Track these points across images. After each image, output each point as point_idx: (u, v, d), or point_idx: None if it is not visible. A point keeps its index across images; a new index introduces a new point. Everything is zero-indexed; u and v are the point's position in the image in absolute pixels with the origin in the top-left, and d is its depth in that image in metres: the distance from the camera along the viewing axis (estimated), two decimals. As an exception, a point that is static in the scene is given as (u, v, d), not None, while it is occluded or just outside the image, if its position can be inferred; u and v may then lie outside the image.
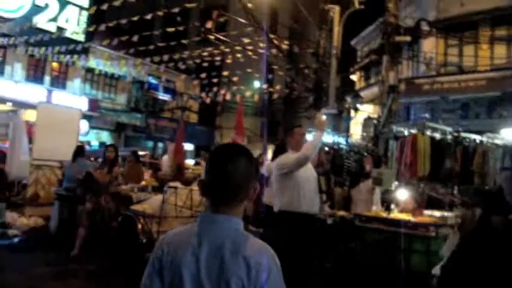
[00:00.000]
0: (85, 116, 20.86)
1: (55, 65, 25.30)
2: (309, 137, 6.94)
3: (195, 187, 8.25)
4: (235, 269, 1.89)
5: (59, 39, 18.16)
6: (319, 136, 5.51)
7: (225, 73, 21.88)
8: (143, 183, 11.17)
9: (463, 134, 10.46)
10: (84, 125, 21.40)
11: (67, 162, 10.39)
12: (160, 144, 30.95)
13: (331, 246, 7.21)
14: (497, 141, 10.15)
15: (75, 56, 20.29)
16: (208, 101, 23.33)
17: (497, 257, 1.76)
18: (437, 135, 10.18)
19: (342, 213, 8.40)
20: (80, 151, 10.50)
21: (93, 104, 26.35)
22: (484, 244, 1.86)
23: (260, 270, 1.90)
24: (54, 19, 23.10)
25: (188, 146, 27.09)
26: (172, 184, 8.48)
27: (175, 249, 1.99)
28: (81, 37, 23.96)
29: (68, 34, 22.16)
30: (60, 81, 26.02)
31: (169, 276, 1.96)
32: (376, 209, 8.18)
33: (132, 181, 11.04)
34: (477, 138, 10.36)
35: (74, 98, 25.05)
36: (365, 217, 7.68)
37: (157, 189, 10.47)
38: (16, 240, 9.45)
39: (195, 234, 1.99)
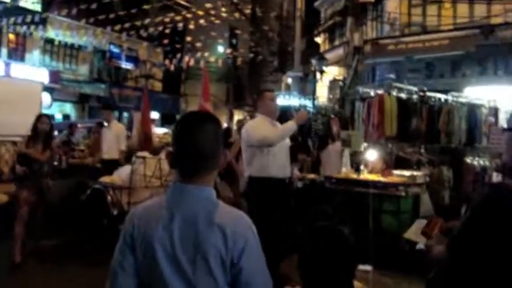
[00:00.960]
0: (46, 89, 20.31)
1: (12, 36, 24.47)
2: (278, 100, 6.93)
3: (163, 156, 8.17)
4: (212, 240, 1.85)
5: (15, 9, 17.56)
6: (292, 126, 5.46)
7: (188, 39, 21.54)
8: (110, 154, 11.03)
9: (429, 94, 10.56)
10: (46, 97, 20.88)
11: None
12: (125, 114, 30.55)
13: (301, 210, 7.25)
14: (461, 100, 10.28)
15: (33, 27, 19.68)
16: (172, 68, 23.05)
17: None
18: (404, 95, 10.24)
19: (311, 176, 8.44)
20: None
21: (54, 75, 25.67)
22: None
23: (237, 238, 1.87)
24: (8, -12, 22.32)
25: (154, 115, 26.82)
26: (140, 154, 8.37)
27: (146, 223, 1.92)
28: (37, 7, 23.21)
29: (23, 4, 21.44)
30: (18, 53, 25.20)
31: (142, 252, 1.91)
32: (346, 171, 8.24)
33: (99, 152, 10.88)
34: (442, 97, 10.47)
35: (33, 70, 24.33)
36: (335, 179, 7.74)
37: (125, 160, 10.35)
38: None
39: (166, 207, 1.93)
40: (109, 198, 7.85)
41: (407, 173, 7.74)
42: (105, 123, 10.12)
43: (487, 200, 1.94)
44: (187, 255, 1.86)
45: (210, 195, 1.97)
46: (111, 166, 9.08)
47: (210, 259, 1.84)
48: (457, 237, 2.06)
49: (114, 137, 9.80)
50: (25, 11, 18.90)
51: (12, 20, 16.78)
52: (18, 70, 23.15)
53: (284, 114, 8.06)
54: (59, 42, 25.89)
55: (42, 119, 7.52)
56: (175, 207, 1.91)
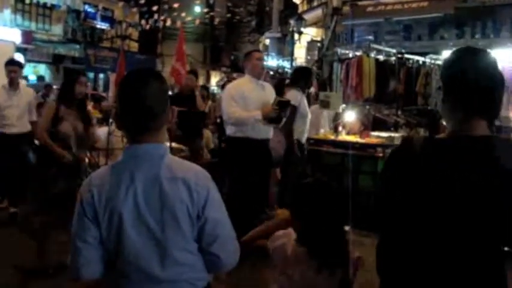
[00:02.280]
0: (19, 49, 19.87)
1: (-19, -6, 23.85)
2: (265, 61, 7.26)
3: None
4: (177, 194, 1.87)
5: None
6: (257, 117, 5.37)
7: (165, -1, 21.18)
8: (87, 116, 10.90)
9: (407, 56, 10.59)
10: (19, 58, 20.44)
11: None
12: (101, 75, 30.14)
13: (281, 170, 7.28)
14: (439, 63, 10.32)
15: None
16: (148, 28, 22.69)
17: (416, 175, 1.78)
18: (382, 57, 10.27)
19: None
20: None
21: (27, 35, 25.07)
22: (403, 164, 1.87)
23: (200, 190, 1.90)
24: None
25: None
26: (117, 116, 8.29)
27: (108, 191, 1.89)
28: (8, -37, 22.54)
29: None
30: (-12, 12, 24.60)
31: (106, 220, 1.88)
32: (324, 132, 8.27)
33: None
34: (420, 59, 10.51)
35: (4, 30, 23.70)
36: (313, 140, 7.76)
37: (102, 121, 10.24)
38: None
39: (125, 169, 1.92)
40: (86, 160, 7.79)
41: (384, 134, 7.80)
42: (8, 85, 7.23)
43: (393, 154, 2.04)
44: (154, 214, 1.86)
45: (166, 151, 1.99)
46: (19, 142, 7.18)
47: (178, 214, 1.87)
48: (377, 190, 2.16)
49: (25, 104, 7.31)
50: (-5, -32, 18.32)
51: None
52: (-11, 30, 22.60)
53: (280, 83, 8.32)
54: (31, 0, 25.23)
55: (81, 80, 5.46)
56: (134, 168, 1.90)
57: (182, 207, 1.86)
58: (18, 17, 26.00)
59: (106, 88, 25.86)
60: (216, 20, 31.51)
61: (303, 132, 6.73)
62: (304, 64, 16.76)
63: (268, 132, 5.74)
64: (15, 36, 22.69)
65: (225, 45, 35.59)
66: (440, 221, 1.75)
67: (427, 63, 10.44)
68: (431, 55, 10.81)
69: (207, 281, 2.04)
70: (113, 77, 14.79)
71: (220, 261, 1.99)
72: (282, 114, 5.43)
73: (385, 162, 2.06)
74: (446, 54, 11.56)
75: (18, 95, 7.25)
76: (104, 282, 1.97)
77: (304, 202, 2.54)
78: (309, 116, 6.75)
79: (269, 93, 5.72)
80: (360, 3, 15.64)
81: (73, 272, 1.92)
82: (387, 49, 10.86)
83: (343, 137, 7.80)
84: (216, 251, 1.96)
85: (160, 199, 1.86)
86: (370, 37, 14.32)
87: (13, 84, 7.21)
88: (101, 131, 8.29)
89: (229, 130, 5.64)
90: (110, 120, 8.09)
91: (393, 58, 10.32)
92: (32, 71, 26.52)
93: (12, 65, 7.27)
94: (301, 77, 6.81)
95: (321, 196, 2.53)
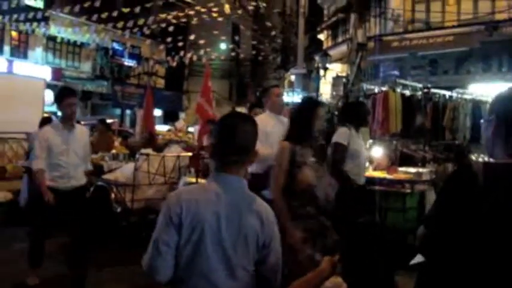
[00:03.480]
0: (49, 86, 20.30)
1: (14, 34, 24.51)
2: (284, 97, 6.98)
3: (167, 154, 8.14)
4: (252, 223, 2.19)
5: (17, 7, 17.50)
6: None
7: (191, 37, 21.50)
8: (114, 151, 11.01)
9: (433, 90, 10.51)
10: (49, 95, 20.84)
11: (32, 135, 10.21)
12: (127, 111, 30.54)
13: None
14: (466, 97, 10.23)
15: (35, 24, 19.62)
16: (174, 64, 23.02)
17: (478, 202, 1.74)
18: (408, 92, 10.20)
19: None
20: (43, 122, 10.31)
21: (57, 73, 25.71)
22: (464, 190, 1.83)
23: (270, 223, 2.26)
24: (10, -14, 22.26)
25: (156, 112, 26.81)
26: (144, 151, 8.34)
27: (197, 205, 2.17)
28: (40, 4, 23.20)
29: (26, 1, 21.40)
30: (21, 50, 25.25)
31: (189, 231, 2.15)
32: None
33: (102, 150, 10.86)
34: (447, 93, 10.43)
35: (36, 67, 24.38)
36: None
37: (128, 157, 10.33)
38: (-14, 215, 9.23)
39: (214, 192, 2.21)
40: (112, 195, 7.83)
41: (412, 169, 7.68)
42: (62, 124, 5.63)
43: (453, 177, 1.98)
44: (230, 235, 2.16)
45: (246, 185, 2.31)
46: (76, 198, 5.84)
47: (249, 239, 2.18)
48: (430, 214, 2.09)
49: (82, 148, 5.81)
50: (27, 8, 18.84)
51: (14, 17, 16.71)
52: (21, 67, 23.19)
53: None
54: (62, 39, 25.89)
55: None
56: (221, 193, 2.21)
57: (253, 234, 2.19)
58: (49, 55, 26.68)
59: (133, 124, 26.16)
60: (242, 57, 31.85)
61: (358, 174, 5.90)
62: (329, 99, 16.76)
63: None
64: (45, 73, 23.29)
65: (250, 82, 35.89)
66: (502, 251, 1.70)
67: (454, 98, 10.35)
68: (457, 89, 10.71)
69: None
70: (140, 113, 14.93)
71: (272, 284, 2.29)
72: None
73: (442, 189, 2.03)
74: (473, 88, 11.51)
75: (74, 136, 5.55)
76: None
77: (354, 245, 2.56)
78: (362, 156, 5.95)
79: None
80: (385, 38, 15.70)
81: (151, 271, 2.19)
82: (413, 84, 10.79)
83: (371, 172, 7.71)
84: (273, 276, 2.28)
85: (238, 225, 2.17)
86: (396, 72, 14.29)
87: (70, 120, 5.59)
88: (128, 167, 8.35)
89: (252, 167, 5.59)
90: (137, 156, 8.14)
91: (419, 93, 10.24)
92: (61, 108, 27.01)
93: (72, 96, 5.68)
94: (351, 112, 6.16)
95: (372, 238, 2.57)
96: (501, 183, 1.76)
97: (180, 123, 16.25)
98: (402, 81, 10.93)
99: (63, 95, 5.65)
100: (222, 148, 2.28)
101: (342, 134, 5.73)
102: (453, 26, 14.53)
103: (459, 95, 10.38)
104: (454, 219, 1.82)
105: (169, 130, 17.15)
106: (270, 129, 5.49)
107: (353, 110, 6.24)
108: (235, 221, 2.17)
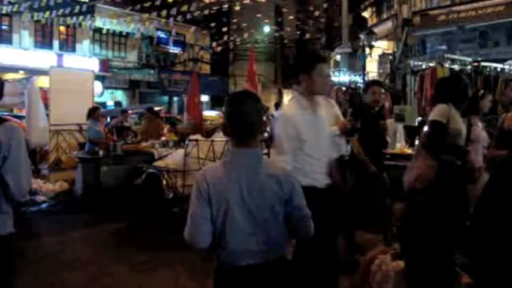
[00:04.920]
0: (97, 77, 20.74)
1: (62, 28, 25.11)
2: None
3: (216, 138, 8.20)
4: (270, 185, 2.46)
5: (63, 2, 17.88)
6: (334, 133, 4.89)
7: (234, 21, 21.49)
8: (163, 138, 11.19)
9: (483, 64, 10.22)
10: (97, 86, 21.30)
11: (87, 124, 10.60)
12: (175, 98, 30.89)
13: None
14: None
15: (81, 17, 20.00)
16: (219, 50, 23.11)
17: None
18: (457, 67, 9.97)
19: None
20: (91, 112, 10.64)
21: (105, 64, 26.24)
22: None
23: (287, 183, 2.50)
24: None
25: (203, 97, 26.99)
26: (193, 137, 8.43)
27: (220, 181, 2.46)
28: (84, -3, 23.63)
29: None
30: (69, 44, 25.87)
31: (217, 203, 2.44)
32: (400, 146, 8.09)
33: (152, 137, 11.06)
34: (498, 66, 10.13)
35: (84, 60, 24.97)
36: (390, 155, 7.59)
37: (177, 143, 10.48)
38: (44, 205, 9.57)
39: (233, 166, 2.50)
40: (164, 182, 7.96)
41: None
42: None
43: (502, 164, 1.94)
44: (254, 201, 2.44)
45: (261, 153, 2.61)
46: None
47: (271, 199, 2.46)
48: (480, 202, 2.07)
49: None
50: (73, 2, 19.21)
51: (61, 11, 17.07)
52: (70, 61, 23.78)
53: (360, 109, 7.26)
54: (107, 30, 26.35)
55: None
56: (240, 165, 2.49)
57: (274, 194, 2.46)
58: (96, 47, 27.21)
59: (181, 111, 26.47)
60: (286, 39, 31.66)
61: None
62: (376, 77, 16.52)
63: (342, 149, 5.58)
64: (94, 65, 23.79)
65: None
66: None
67: (506, 70, 10.04)
68: (510, 61, 10.38)
69: (285, 252, 2.63)
70: (187, 99, 15.07)
71: (306, 231, 2.59)
72: (356, 125, 5.19)
73: (494, 172, 2.01)
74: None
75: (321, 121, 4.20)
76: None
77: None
78: (463, 136, 4.89)
79: (336, 109, 5.34)
80: (430, 12, 15.29)
81: (193, 241, 2.47)
82: (462, 58, 10.54)
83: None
84: (303, 227, 2.57)
85: (259, 189, 2.45)
86: (444, 47, 13.89)
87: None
88: (178, 154, 8.48)
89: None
90: (186, 142, 8.24)
91: (469, 67, 10.00)
92: (109, 97, 27.58)
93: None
94: (448, 88, 5.27)
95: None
96: None
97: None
98: (450, 55, 10.67)
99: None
100: (234, 127, 2.54)
101: (439, 111, 4.90)
102: (504, -5, 14.03)
103: (511, 67, 10.07)
104: (502, 205, 1.80)
105: (217, 115, 17.26)
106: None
107: (450, 86, 5.32)
108: (255, 186, 2.45)
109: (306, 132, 4.01)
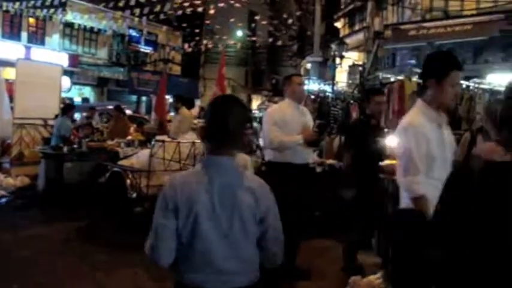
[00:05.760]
0: (66, 72, 20.43)
1: (32, 20, 24.67)
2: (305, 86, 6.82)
3: (183, 140, 8.16)
4: (246, 200, 2.24)
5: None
6: (299, 141, 5.32)
7: (207, 22, 21.44)
8: (129, 138, 11.09)
9: (450, 80, 10.40)
10: (66, 81, 20.99)
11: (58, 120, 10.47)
12: (143, 98, 30.66)
13: (320, 195, 7.20)
14: (483, 87, 10.12)
15: (52, 10, 19.70)
16: (190, 51, 23.03)
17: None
18: (424, 81, 10.12)
19: (330, 161, 8.38)
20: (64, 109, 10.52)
21: (74, 59, 25.88)
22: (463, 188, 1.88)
23: (264, 199, 2.30)
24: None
25: (172, 99, 26.79)
26: (159, 138, 8.37)
27: (190, 189, 2.25)
28: (57, -10, 23.28)
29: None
30: (38, 37, 25.44)
31: (185, 212, 2.22)
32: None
33: (118, 136, 10.95)
34: (464, 83, 10.32)
35: (53, 54, 24.56)
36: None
37: (143, 143, 10.39)
38: (4, 200, 9.38)
39: (205, 174, 2.29)
40: (128, 181, 7.88)
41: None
42: None
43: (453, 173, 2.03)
44: (225, 215, 2.23)
45: (237, 164, 2.38)
46: None
47: (245, 217, 2.24)
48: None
49: None
50: (45, -6, 18.91)
51: (31, 3, 16.79)
52: (38, 54, 23.39)
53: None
54: (79, 26, 26.01)
55: None
56: (212, 174, 2.28)
57: (248, 211, 2.24)
58: (66, 41, 26.82)
59: (148, 111, 26.28)
60: (258, 44, 31.76)
61: None
62: (345, 88, 16.69)
63: (309, 156, 5.70)
64: (62, 59, 23.42)
65: (266, 69, 35.82)
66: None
67: (471, 88, 10.25)
68: (475, 79, 10.60)
69: (257, 275, 2.38)
70: (155, 99, 14.98)
71: (276, 260, 2.41)
72: (321, 137, 5.36)
73: (445, 186, 2.07)
74: (491, 78, 11.38)
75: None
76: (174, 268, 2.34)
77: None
78: None
79: (308, 118, 5.71)
80: (402, 27, 15.54)
81: (154, 256, 2.31)
82: (430, 73, 10.71)
83: (386, 161, 7.67)
84: (276, 252, 2.39)
85: (232, 201, 2.24)
86: (413, 61, 14.15)
87: None
88: (143, 153, 8.40)
89: (270, 155, 5.63)
90: (152, 142, 8.18)
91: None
92: (77, 93, 27.22)
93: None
94: None
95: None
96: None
97: (196, 110, 16.25)
98: (419, 70, 10.84)
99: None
100: (213, 131, 2.35)
101: None
102: (472, 15, 14.31)
103: (476, 85, 10.27)
104: (455, 212, 1.85)
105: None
106: (290, 117, 5.48)
107: None
108: (228, 200, 2.24)
109: (437, 150, 3.37)
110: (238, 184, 2.28)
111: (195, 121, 10.78)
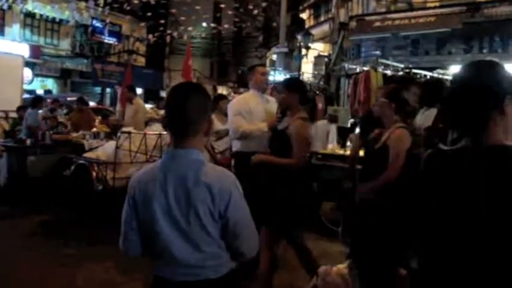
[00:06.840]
0: (28, 64, 20.01)
1: (-10, 9, 24.05)
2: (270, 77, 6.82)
3: (149, 132, 8.09)
4: (200, 196, 2.14)
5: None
6: (264, 129, 5.27)
7: (173, 11, 21.23)
8: (94, 130, 10.92)
9: (414, 71, 10.58)
10: (27, 72, 20.57)
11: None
12: (108, 90, 30.25)
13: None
14: (446, 77, 10.30)
15: (11, 0, 19.20)
16: (154, 42, 22.80)
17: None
18: (389, 72, 10.26)
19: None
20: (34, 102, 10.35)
21: (36, 50, 25.27)
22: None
23: (222, 194, 2.16)
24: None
25: (137, 90, 26.51)
26: (125, 129, 8.28)
27: (145, 186, 2.22)
28: (17, -21, 22.71)
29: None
30: (-3, 27, 24.82)
31: (143, 211, 2.22)
32: (332, 147, 8.24)
33: (83, 128, 10.77)
34: (428, 74, 10.49)
35: (14, 44, 23.90)
36: (321, 155, 7.72)
37: (109, 135, 10.26)
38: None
39: (162, 169, 2.22)
40: (94, 173, 7.78)
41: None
42: None
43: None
44: (181, 211, 2.16)
45: (198, 156, 2.25)
46: None
47: (201, 213, 2.15)
48: None
49: None
50: (3, -17, 18.43)
51: (-11, -8, 16.36)
52: (-2, 44, 22.79)
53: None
54: (40, 16, 25.40)
55: None
56: (168, 169, 2.21)
57: (204, 208, 2.14)
58: (27, 32, 26.22)
59: (113, 102, 25.95)
60: (223, 35, 31.64)
61: None
62: (311, 79, 16.78)
63: None
64: (24, 50, 22.85)
65: (232, 60, 35.72)
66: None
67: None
68: (438, 70, 10.78)
69: (230, 268, 2.32)
70: (119, 91, 14.78)
71: (242, 254, 2.33)
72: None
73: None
74: (454, 69, 11.58)
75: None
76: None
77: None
78: None
79: (273, 107, 5.70)
80: (367, 18, 15.66)
81: (124, 249, 2.35)
82: (395, 64, 10.85)
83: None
84: (239, 246, 2.28)
85: (186, 199, 2.15)
86: (378, 52, 14.28)
87: None
88: (109, 145, 8.30)
89: (236, 145, 5.65)
90: (118, 134, 8.08)
91: (400, 73, 10.30)
92: (39, 85, 26.68)
93: None
94: (438, 93, 5.29)
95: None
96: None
97: (163, 102, 16.11)
98: (384, 61, 10.97)
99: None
100: (171, 122, 2.29)
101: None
102: (435, 7, 14.52)
103: (440, 76, 10.45)
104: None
105: (151, 108, 17.00)
106: (254, 107, 5.52)
107: (440, 90, 5.29)
108: (182, 196, 2.16)
109: None
110: (194, 180, 2.16)
111: (161, 112, 10.70)
